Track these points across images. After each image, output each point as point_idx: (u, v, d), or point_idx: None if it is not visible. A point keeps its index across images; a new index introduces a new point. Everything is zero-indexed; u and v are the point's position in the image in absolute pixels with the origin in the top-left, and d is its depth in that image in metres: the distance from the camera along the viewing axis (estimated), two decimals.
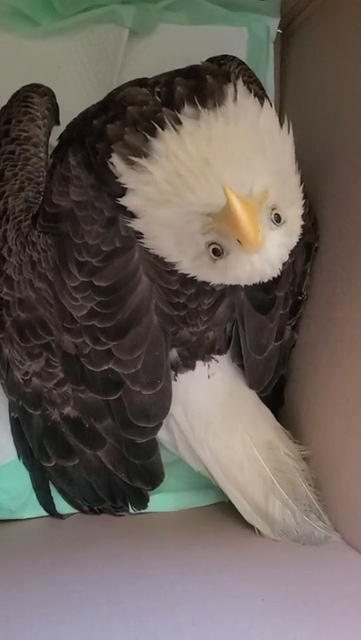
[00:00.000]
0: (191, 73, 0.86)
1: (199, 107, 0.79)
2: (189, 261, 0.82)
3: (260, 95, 0.96)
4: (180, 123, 0.79)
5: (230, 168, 0.75)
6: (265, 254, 0.76)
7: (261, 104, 0.82)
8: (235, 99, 0.81)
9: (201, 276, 0.85)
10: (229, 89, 0.82)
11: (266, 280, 0.82)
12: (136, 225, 0.84)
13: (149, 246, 0.85)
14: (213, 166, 0.75)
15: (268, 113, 0.82)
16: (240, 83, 0.83)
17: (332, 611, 0.76)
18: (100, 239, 0.88)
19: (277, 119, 0.83)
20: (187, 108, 0.81)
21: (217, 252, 0.78)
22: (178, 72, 0.87)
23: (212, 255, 0.79)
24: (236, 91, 0.82)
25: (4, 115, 1.01)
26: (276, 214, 0.78)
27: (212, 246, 0.78)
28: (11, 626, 0.75)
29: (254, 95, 0.83)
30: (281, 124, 0.83)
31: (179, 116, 0.80)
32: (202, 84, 0.82)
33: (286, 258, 0.81)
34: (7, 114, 1.01)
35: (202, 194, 0.76)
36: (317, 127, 1.10)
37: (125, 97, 0.87)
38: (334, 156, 1.04)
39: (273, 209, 0.77)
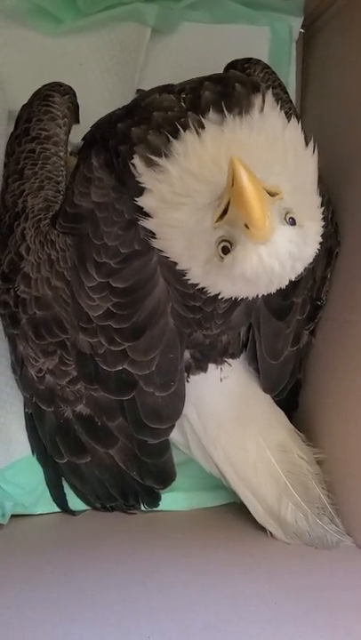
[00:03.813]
0: (220, 80, 0.85)
1: (225, 112, 0.79)
2: (200, 268, 0.81)
3: (285, 100, 0.94)
4: (203, 127, 0.79)
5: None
6: (273, 247, 0.72)
7: (289, 120, 0.81)
8: (261, 109, 0.80)
9: (210, 285, 0.83)
10: (257, 99, 0.81)
11: (272, 287, 0.79)
12: (149, 224, 0.83)
13: (161, 247, 0.84)
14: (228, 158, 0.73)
15: (295, 129, 0.81)
16: (269, 94, 0.83)
17: (345, 617, 0.76)
18: (120, 241, 0.88)
19: (303, 137, 0.82)
20: (212, 114, 0.80)
21: (226, 251, 0.76)
22: (206, 78, 0.87)
23: (221, 253, 0.77)
24: (263, 102, 0.81)
25: (25, 113, 1.02)
26: (291, 218, 0.75)
27: (222, 244, 0.76)
28: (24, 622, 0.76)
29: (279, 99, 0.82)
30: (307, 143, 0.81)
31: (202, 120, 0.79)
32: (229, 91, 0.82)
33: (298, 256, 0.76)
34: (28, 112, 1.01)
35: (213, 179, 0.75)
36: (339, 129, 1.09)
37: (152, 103, 0.87)
38: (356, 159, 1.03)
39: (287, 212, 0.75)
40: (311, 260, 0.81)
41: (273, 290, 0.81)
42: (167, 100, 0.86)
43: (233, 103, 0.80)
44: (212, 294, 0.85)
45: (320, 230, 0.80)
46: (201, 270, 0.81)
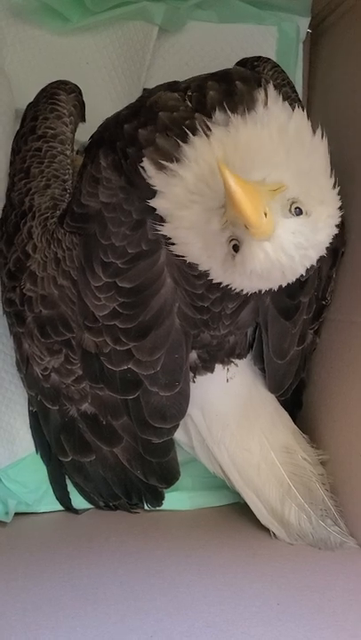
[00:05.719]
0: (224, 77, 0.86)
1: (229, 112, 0.79)
2: (220, 267, 0.82)
3: (293, 98, 0.94)
4: (210, 129, 0.79)
5: (243, 159, 0.74)
6: (277, 241, 0.73)
7: (293, 109, 0.82)
8: (265, 104, 0.81)
9: (232, 283, 0.84)
10: (260, 94, 0.81)
11: (288, 278, 0.80)
12: (164, 230, 0.84)
13: (179, 252, 0.85)
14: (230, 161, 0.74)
15: (299, 117, 0.81)
16: (271, 87, 0.83)
17: (348, 618, 0.76)
18: (127, 241, 0.88)
19: (309, 124, 0.82)
20: (218, 114, 0.80)
21: (237, 249, 0.77)
22: (211, 76, 0.87)
23: (233, 252, 0.78)
24: (266, 96, 0.81)
25: (31, 111, 1.02)
26: (298, 208, 0.75)
27: (233, 242, 0.77)
28: (27, 620, 0.76)
29: (288, 98, 0.82)
30: (314, 130, 0.82)
31: (209, 123, 0.80)
32: (233, 90, 0.82)
33: (307, 245, 0.76)
34: (34, 110, 1.01)
35: (216, 186, 0.75)
36: (345, 129, 1.08)
37: (157, 102, 0.87)
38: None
39: (293, 203, 0.75)
40: (327, 245, 0.81)
41: (292, 280, 0.81)
42: (172, 98, 0.86)
43: (236, 101, 0.80)
44: (219, 295, 0.86)
45: (335, 213, 0.81)
46: (221, 269, 0.82)
